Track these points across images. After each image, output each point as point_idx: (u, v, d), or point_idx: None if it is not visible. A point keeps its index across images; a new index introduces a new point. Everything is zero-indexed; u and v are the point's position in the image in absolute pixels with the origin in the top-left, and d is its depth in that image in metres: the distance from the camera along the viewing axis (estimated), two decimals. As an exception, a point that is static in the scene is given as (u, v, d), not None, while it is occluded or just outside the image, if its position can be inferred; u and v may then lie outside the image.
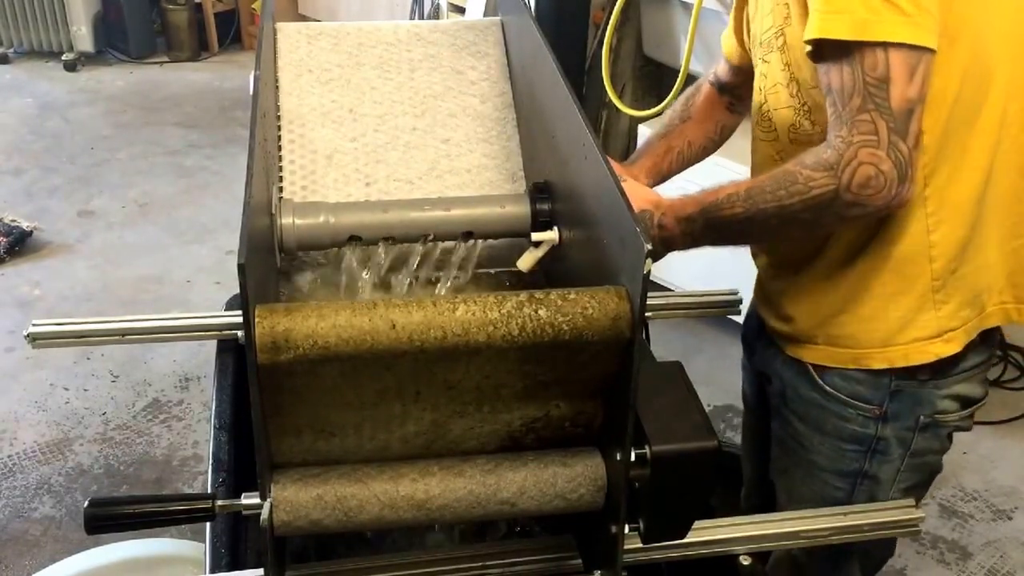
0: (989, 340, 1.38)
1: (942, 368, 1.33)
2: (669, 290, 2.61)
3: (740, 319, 1.64)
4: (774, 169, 1.22)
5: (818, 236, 1.32)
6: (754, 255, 1.48)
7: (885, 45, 1.10)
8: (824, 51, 1.14)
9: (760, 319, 1.50)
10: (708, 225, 1.25)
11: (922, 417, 1.36)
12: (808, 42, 1.15)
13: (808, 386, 1.41)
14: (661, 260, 1.30)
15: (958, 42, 1.17)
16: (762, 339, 1.51)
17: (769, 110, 1.33)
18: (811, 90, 1.25)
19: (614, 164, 1.46)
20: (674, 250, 1.30)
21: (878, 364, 1.33)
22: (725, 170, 2.87)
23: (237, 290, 0.89)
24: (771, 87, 1.31)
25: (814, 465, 1.44)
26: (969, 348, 1.34)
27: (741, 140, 1.55)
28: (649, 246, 0.90)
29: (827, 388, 1.38)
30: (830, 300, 1.34)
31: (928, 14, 1.11)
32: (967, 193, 1.25)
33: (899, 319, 1.31)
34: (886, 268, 1.29)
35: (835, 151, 1.13)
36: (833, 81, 1.14)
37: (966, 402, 1.38)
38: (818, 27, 1.12)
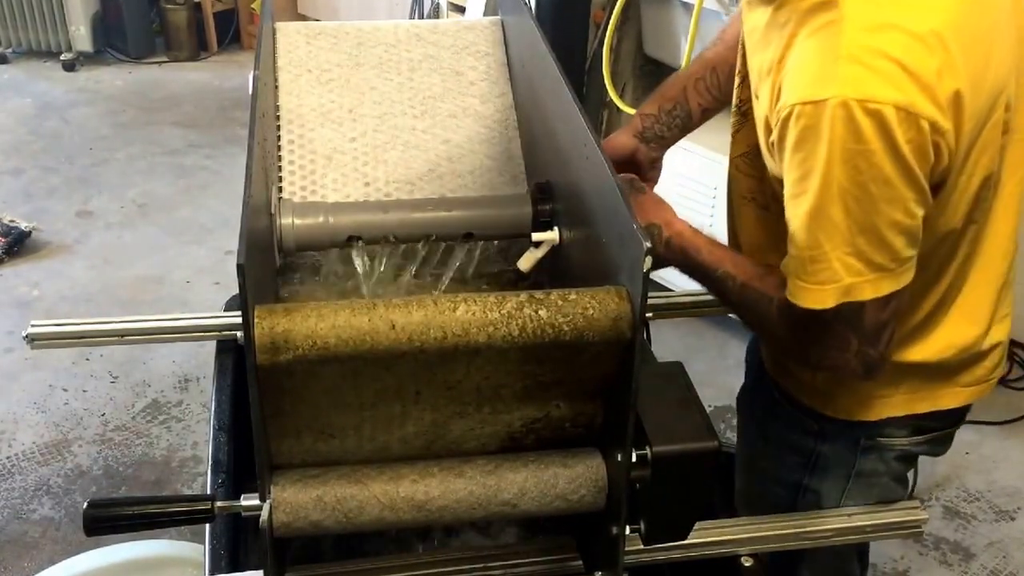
0: None
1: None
2: (669, 290, 2.60)
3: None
4: (758, 263, 1.22)
5: None
6: None
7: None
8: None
9: None
10: (680, 261, 1.24)
11: (862, 439, 1.33)
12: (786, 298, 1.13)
13: (763, 388, 1.41)
14: (662, 260, 1.29)
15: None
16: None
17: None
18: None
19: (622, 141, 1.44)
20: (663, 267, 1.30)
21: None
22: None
23: (236, 290, 0.88)
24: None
25: (758, 468, 1.45)
26: None
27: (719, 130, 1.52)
28: (648, 244, 0.89)
29: (775, 395, 1.38)
30: None
31: (910, 260, 1.09)
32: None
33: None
34: None
35: (803, 331, 1.14)
36: (804, 226, 1.11)
37: (918, 428, 1.34)
38: (802, 298, 1.10)
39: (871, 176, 1.02)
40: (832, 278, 1.07)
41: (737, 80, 1.32)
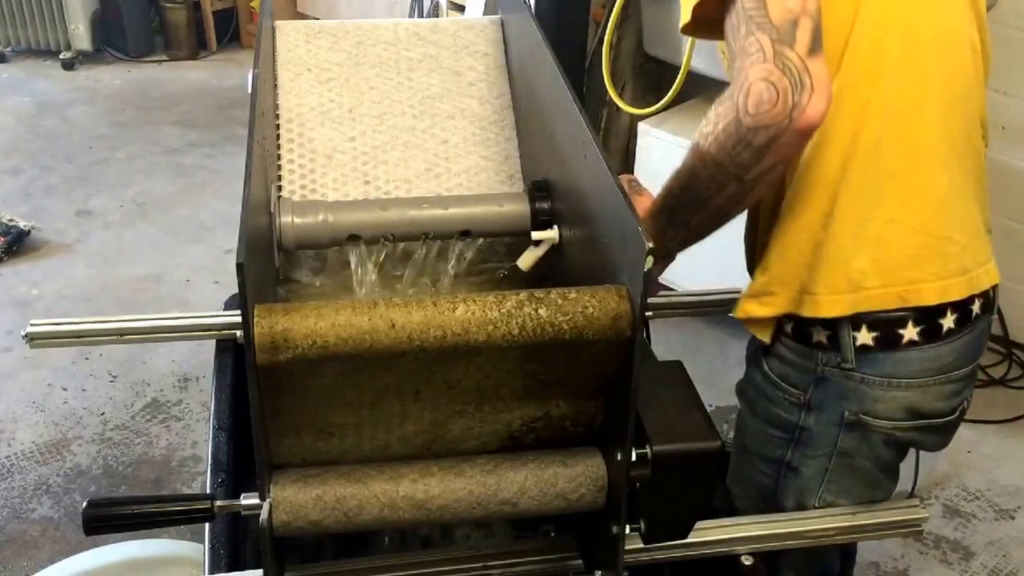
0: (964, 353, 1.31)
1: (867, 355, 1.28)
2: (670, 289, 2.61)
3: (741, 318, 1.63)
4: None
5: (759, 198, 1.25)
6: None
7: None
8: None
9: None
10: (663, 211, 1.24)
11: (847, 413, 1.31)
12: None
13: (755, 367, 1.41)
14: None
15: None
16: None
17: None
18: None
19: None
20: (660, 257, 1.28)
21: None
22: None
23: (236, 289, 0.88)
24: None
25: (745, 447, 1.44)
26: (915, 350, 1.28)
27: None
28: (650, 244, 0.89)
29: (765, 368, 1.37)
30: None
31: None
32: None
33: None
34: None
35: (733, 82, 1.10)
36: (726, 28, 1.13)
37: (915, 413, 1.31)
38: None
39: None
40: None
41: None
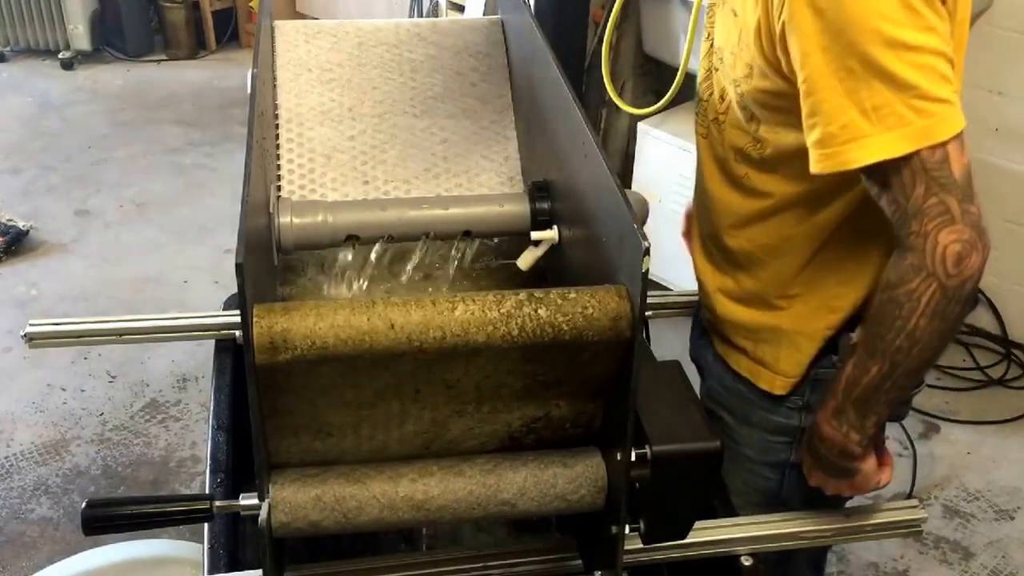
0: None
1: None
2: (669, 289, 2.60)
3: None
4: (867, 315, 1.16)
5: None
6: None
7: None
8: (876, 168, 1.06)
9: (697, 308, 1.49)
10: (858, 404, 1.17)
11: None
12: (862, 169, 1.07)
13: (733, 378, 1.40)
14: (661, 258, 1.29)
15: None
16: (696, 328, 1.51)
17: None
18: (760, 135, 1.23)
19: None
20: (856, 458, 1.22)
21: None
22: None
23: (235, 290, 0.88)
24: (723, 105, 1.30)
25: (744, 457, 1.44)
26: None
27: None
28: (647, 244, 0.89)
29: (751, 396, 1.38)
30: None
31: (957, 83, 1.06)
32: None
33: None
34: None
35: (915, 252, 1.06)
36: (890, 181, 1.07)
37: (906, 401, 1.35)
38: (874, 150, 1.04)
39: (905, 8, 1.01)
40: (901, 121, 1.02)
41: (706, 47, 1.34)
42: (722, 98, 1.29)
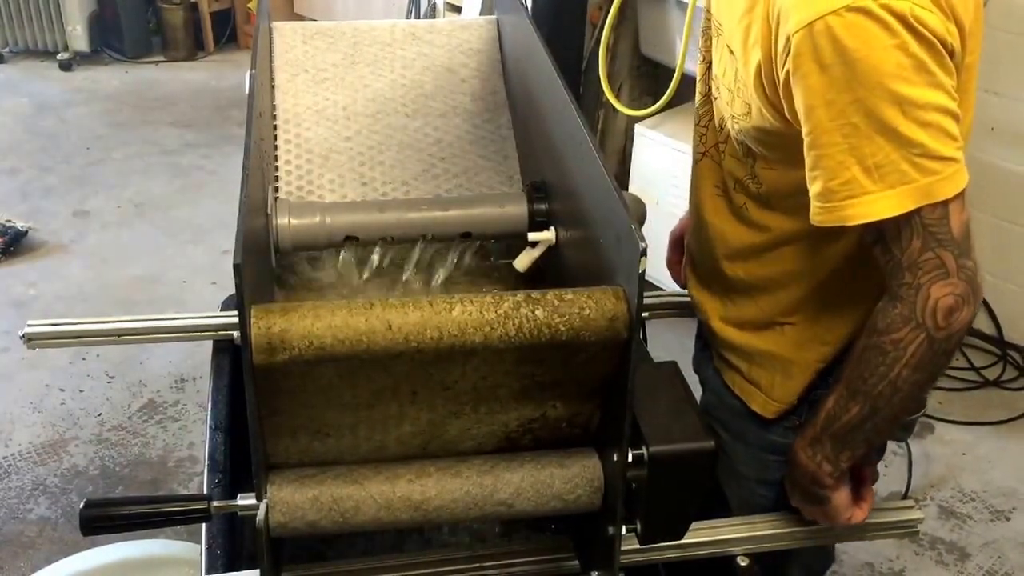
0: None
1: None
2: (665, 290, 2.60)
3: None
4: (852, 354, 1.15)
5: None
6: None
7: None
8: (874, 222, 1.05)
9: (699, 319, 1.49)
10: (835, 439, 1.18)
11: None
12: (862, 225, 1.06)
13: (729, 394, 1.40)
14: (658, 259, 1.29)
15: None
16: (699, 340, 1.50)
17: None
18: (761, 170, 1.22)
19: None
20: (827, 488, 1.21)
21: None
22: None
23: (233, 290, 0.88)
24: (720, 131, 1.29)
25: (739, 475, 1.43)
26: None
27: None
28: (644, 245, 0.89)
29: (746, 414, 1.38)
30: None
31: (962, 142, 1.05)
32: None
33: None
34: None
35: (905, 303, 1.06)
36: (887, 234, 1.06)
37: None
38: (874, 208, 1.03)
39: (912, 65, 0.99)
40: (903, 179, 1.01)
41: (702, 69, 1.32)
42: (721, 127, 1.28)
